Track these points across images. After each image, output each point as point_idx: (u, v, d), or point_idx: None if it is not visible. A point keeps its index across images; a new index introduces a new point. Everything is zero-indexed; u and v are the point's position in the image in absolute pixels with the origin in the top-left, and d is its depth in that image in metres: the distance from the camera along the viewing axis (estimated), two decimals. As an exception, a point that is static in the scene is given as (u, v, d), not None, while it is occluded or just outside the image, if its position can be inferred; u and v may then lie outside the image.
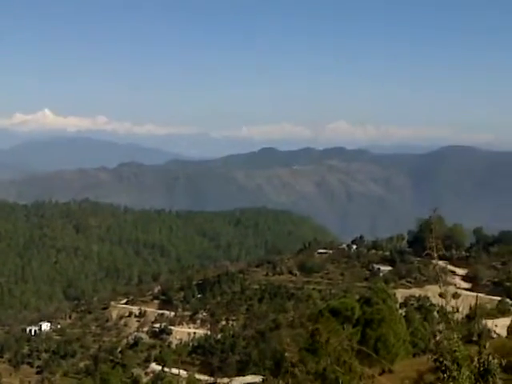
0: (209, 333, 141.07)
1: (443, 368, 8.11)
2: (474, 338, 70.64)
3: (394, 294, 64.66)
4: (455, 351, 8.04)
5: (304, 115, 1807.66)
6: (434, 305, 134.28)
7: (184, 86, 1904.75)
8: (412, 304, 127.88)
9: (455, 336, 8.30)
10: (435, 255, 8.99)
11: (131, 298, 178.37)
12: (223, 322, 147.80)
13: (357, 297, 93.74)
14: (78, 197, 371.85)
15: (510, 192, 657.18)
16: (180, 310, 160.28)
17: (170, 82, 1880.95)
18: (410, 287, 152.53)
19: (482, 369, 8.03)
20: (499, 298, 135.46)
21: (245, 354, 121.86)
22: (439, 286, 9.09)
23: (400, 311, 59.06)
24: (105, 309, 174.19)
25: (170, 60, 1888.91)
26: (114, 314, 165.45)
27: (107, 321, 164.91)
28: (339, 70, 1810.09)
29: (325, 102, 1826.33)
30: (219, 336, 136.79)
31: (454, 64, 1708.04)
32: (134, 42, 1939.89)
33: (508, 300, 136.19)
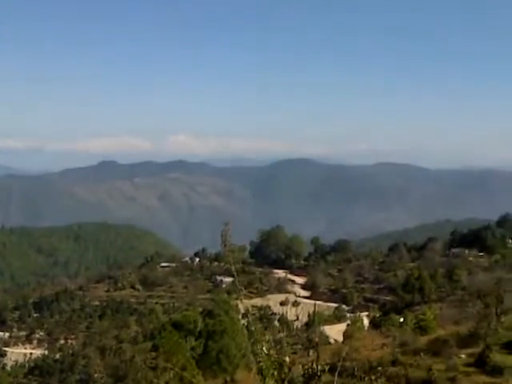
0: (46, 352, 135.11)
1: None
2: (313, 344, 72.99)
3: (237, 305, 65.38)
4: (259, 362, 8.27)
5: (144, 128, 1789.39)
6: (275, 313, 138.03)
7: (17, 95, 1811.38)
8: (254, 314, 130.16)
9: (259, 346, 8.51)
10: (232, 268, 9.22)
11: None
12: (62, 341, 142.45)
13: (200, 309, 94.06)
14: None
15: (344, 202, 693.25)
16: (15, 330, 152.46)
17: None
18: (252, 297, 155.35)
19: (307, 375, 8.33)
20: (336, 305, 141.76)
21: (85, 372, 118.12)
22: (240, 300, 9.30)
23: (242, 322, 59.95)
24: None
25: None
26: None
27: None
28: (178, 81, 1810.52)
29: (165, 114, 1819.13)
30: (58, 355, 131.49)
31: (285, 78, 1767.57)
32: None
33: (344, 306, 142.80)
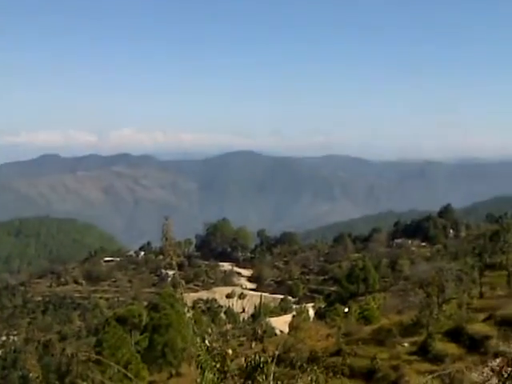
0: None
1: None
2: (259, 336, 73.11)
3: (182, 298, 64.75)
4: (199, 356, 8.13)
5: (88, 121, 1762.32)
6: (222, 306, 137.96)
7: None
8: (200, 307, 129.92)
9: (199, 339, 8.38)
10: (173, 263, 9.03)
11: None
12: (4, 338, 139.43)
13: (145, 303, 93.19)
14: None
15: (290, 194, 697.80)
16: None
17: None
18: (198, 290, 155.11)
19: (250, 366, 8.20)
20: (282, 297, 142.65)
21: (28, 369, 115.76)
22: (180, 294, 9.14)
23: (188, 315, 59.49)
24: None
25: None
26: None
27: None
28: (126, 75, 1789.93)
29: (111, 108, 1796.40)
30: (0, 352, 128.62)
31: (230, 71, 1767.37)
32: None
33: (290, 298, 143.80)
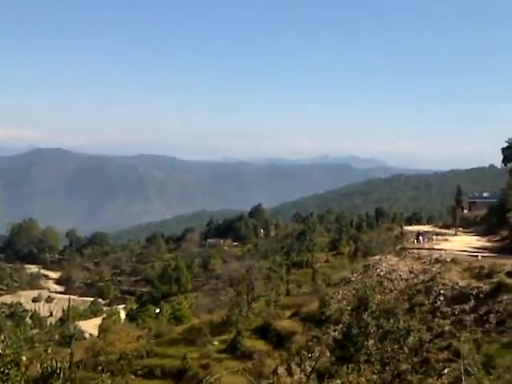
0: None
1: None
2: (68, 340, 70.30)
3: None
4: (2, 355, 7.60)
5: None
6: (28, 310, 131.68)
7: None
8: (3, 311, 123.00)
9: None
10: None
11: None
12: None
13: None
14: None
15: (102, 193, 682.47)
16: None
17: None
18: (1, 294, 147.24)
19: (46, 372, 7.71)
20: (92, 299, 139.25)
21: None
22: None
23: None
24: None
25: None
26: None
27: None
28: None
29: None
30: None
31: (38, 66, 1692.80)
32: None
33: (100, 300, 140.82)
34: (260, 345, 50.14)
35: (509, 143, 77.63)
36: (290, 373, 42.43)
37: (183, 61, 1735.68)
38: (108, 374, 27.23)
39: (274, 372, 41.77)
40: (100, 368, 35.98)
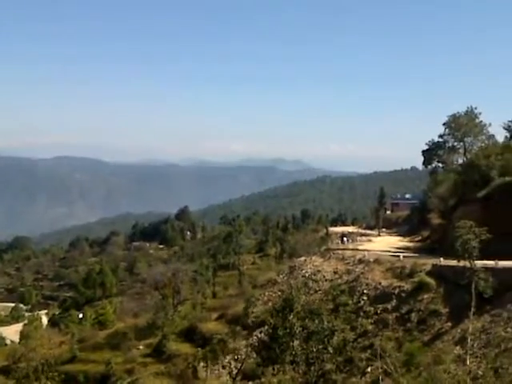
0: None
1: None
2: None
3: None
4: None
5: None
6: None
7: None
8: None
9: None
10: None
11: None
12: None
13: None
14: None
15: (22, 197, 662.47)
16: None
17: None
18: None
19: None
20: (13, 305, 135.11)
21: None
22: None
23: None
24: None
25: None
26: None
27: None
28: None
29: None
30: None
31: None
32: None
33: (22, 306, 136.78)
34: (185, 348, 49.86)
35: (429, 146, 79.58)
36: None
37: (109, 59, 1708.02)
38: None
39: (195, 373, 41.65)
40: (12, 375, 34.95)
